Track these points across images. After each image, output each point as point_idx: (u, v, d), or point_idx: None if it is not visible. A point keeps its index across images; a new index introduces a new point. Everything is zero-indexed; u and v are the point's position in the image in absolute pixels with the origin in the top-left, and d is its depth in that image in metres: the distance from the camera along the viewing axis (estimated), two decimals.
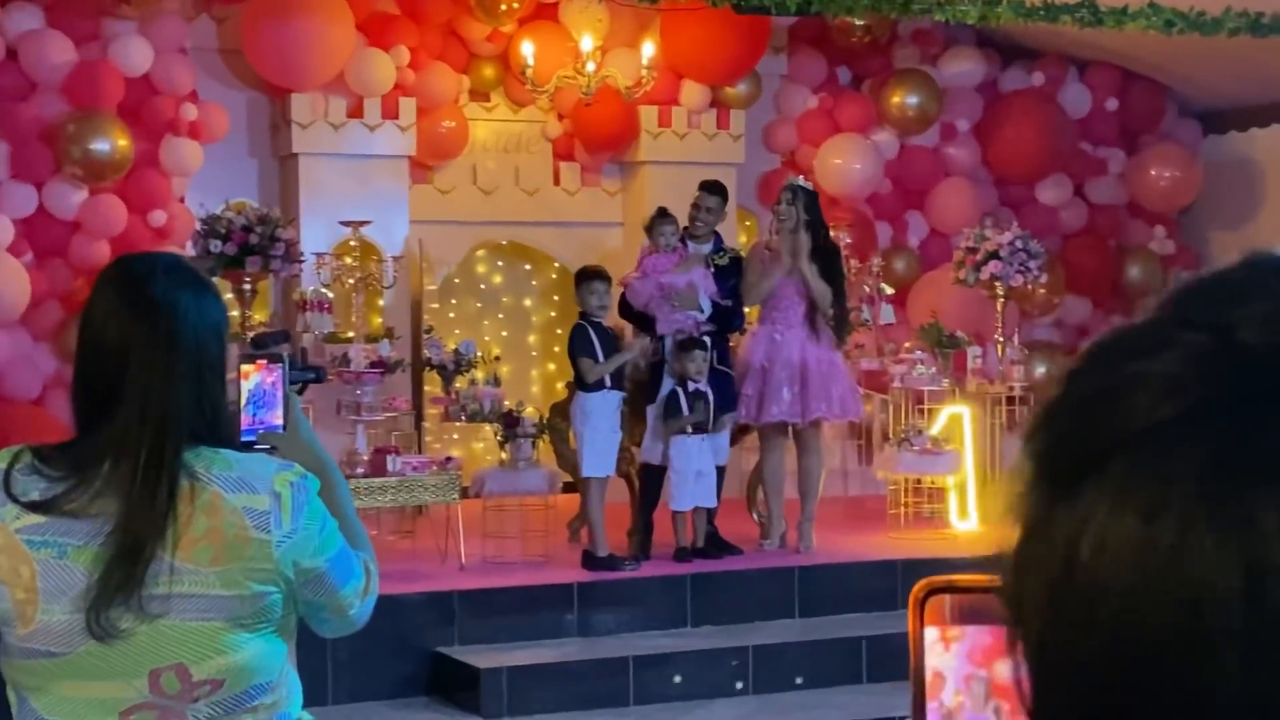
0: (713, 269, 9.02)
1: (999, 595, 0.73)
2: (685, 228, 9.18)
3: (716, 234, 9.26)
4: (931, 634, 1.24)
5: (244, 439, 2.51)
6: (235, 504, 2.32)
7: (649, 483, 8.92)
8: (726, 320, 9.08)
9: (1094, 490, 0.68)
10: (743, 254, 9.36)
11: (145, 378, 2.33)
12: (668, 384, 8.84)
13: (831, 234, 10.32)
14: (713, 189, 9.17)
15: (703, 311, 8.87)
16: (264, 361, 2.56)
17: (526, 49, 10.49)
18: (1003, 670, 1.18)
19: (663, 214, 9.15)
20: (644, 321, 8.93)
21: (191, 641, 2.31)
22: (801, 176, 9.65)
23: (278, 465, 2.40)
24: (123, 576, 2.27)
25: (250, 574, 2.32)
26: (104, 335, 2.37)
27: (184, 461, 2.32)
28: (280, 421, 2.56)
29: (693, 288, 8.86)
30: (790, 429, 9.12)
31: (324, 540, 2.40)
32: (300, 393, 5.47)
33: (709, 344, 8.96)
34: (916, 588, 1.24)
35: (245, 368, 2.55)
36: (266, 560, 2.33)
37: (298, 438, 2.58)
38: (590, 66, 10.43)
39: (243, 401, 2.53)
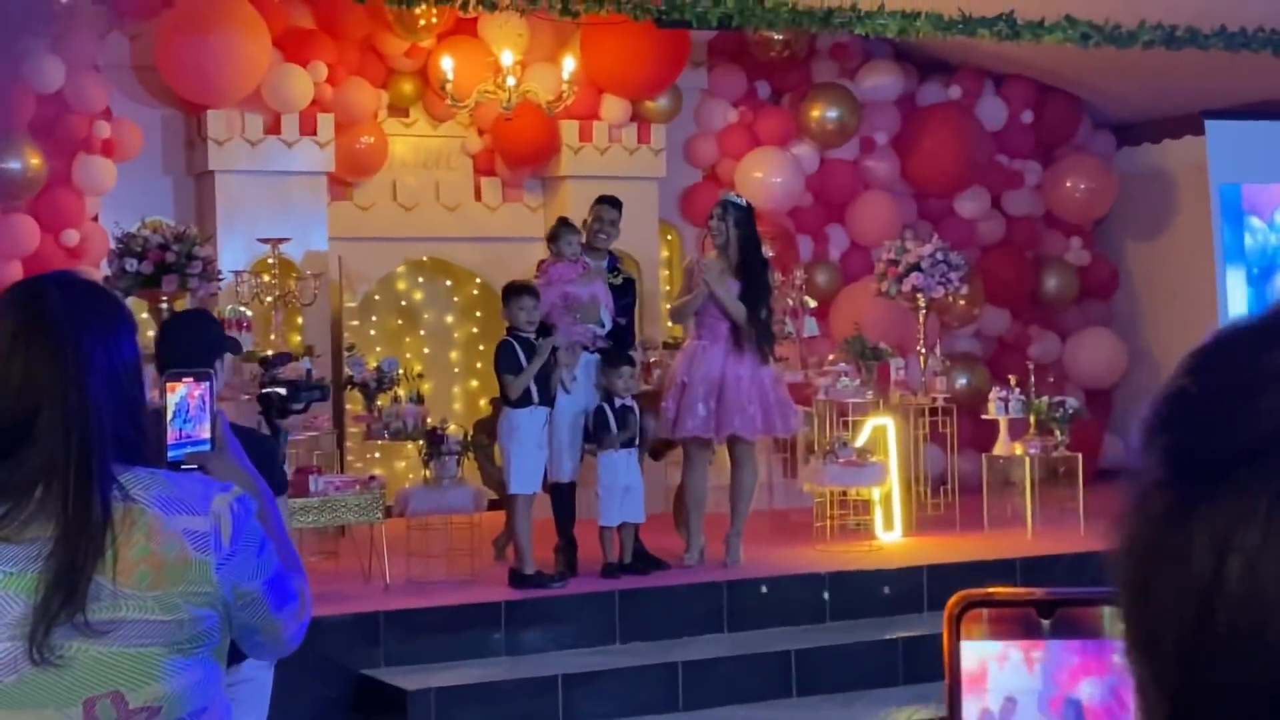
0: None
1: (1118, 601, 0.66)
2: (584, 241, 9.15)
3: (610, 253, 9.27)
4: (1000, 650, 1.18)
5: (171, 458, 2.45)
6: (174, 526, 2.28)
7: (562, 501, 8.87)
8: (621, 337, 9.08)
9: (1239, 493, 0.61)
10: (634, 276, 9.39)
11: (61, 405, 2.29)
12: (580, 398, 8.78)
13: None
14: (613, 203, 9.20)
15: (603, 326, 8.85)
16: (190, 378, 2.51)
17: (446, 64, 10.41)
18: (1090, 691, 1.13)
19: (565, 224, 9.16)
20: (542, 331, 8.89)
21: (129, 668, 2.26)
22: (734, 192, 9.63)
23: (217, 486, 2.37)
24: (63, 600, 2.22)
25: (189, 598, 2.28)
26: (8, 372, 2.31)
27: (119, 483, 2.28)
28: (207, 438, 2.50)
29: (595, 301, 8.85)
30: (725, 443, 9.10)
31: (262, 562, 2.38)
32: (303, 411, 5.40)
33: (635, 360, 8.95)
34: (952, 601, 1.18)
35: (170, 384, 2.49)
36: (206, 583, 2.29)
37: (226, 456, 2.54)
38: (510, 81, 10.37)
39: (168, 419, 2.48)
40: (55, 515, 2.25)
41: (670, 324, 10.78)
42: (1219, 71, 11.12)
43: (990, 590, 1.18)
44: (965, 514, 10.51)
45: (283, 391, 6.19)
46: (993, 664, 1.17)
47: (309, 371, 7.51)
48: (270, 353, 6.14)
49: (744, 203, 9.25)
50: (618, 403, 8.69)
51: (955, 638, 1.17)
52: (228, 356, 4.60)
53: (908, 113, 13.03)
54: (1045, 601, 1.16)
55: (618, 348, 8.95)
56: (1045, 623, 1.16)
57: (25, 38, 9.72)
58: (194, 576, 2.28)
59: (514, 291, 8.71)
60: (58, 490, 2.26)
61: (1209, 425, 0.64)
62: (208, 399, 2.53)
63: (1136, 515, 0.66)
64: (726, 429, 8.93)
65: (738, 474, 9.17)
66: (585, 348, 8.85)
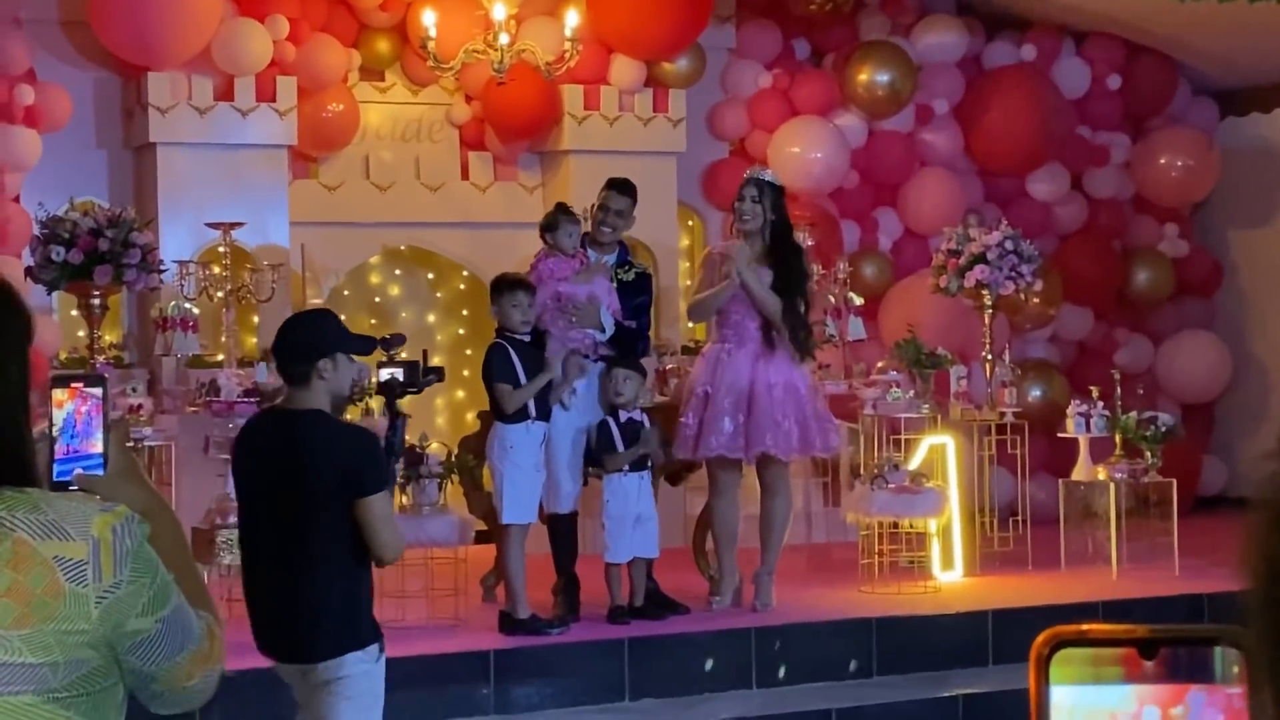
0: (615, 284, 9.00)
1: (1248, 634, 0.67)
2: (587, 233, 9.15)
3: (621, 244, 9.25)
4: (1139, 711, 1.19)
5: (56, 477, 2.45)
6: (44, 553, 2.26)
7: (561, 536, 8.88)
8: (629, 344, 9.03)
9: None
10: (650, 270, 9.33)
11: None
12: (583, 414, 8.79)
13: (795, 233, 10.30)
14: (623, 188, 9.14)
15: (604, 330, 8.84)
16: (79, 386, 2.50)
17: (428, 18, 10.44)
18: None
19: (564, 211, 9.13)
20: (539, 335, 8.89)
21: None
22: (765, 168, 9.64)
23: (99, 506, 2.34)
24: None
25: (63, 637, 2.26)
26: None
27: None
28: (99, 453, 2.50)
29: (594, 301, 8.84)
30: (755, 464, 9.10)
31: (155, 596, 2.34)
32: (418, 393, 5.76)
33: (644, 368, 8.95)
34: (1040, 640, 1.20)
35: (57, 394, 2.48)
36: (83, 619, 2.27)
37: (121, 475, 2.52)
38: (504, 39, 10.40)
39: (55, 435, 2.47)
40: None
41: (690, 324, 10.79)
42: None
43: (1084, 627, 1.20)
44: (1039, 550, 10.50)
45: (400, 375, 6.66)
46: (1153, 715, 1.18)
47: (425, 353, 7.90)
48: (388, 334, 6.71)
49: (778, 181, 9.28)
50: (623, 416, 8.70)
51: (1044, 681, 1.19)
52: (345, 356, 5.45)
53: (972, 76, 13.03)
54: (1149, 640, 1.18)
55: (625, 353, 8.94)
56: (1148, 664, 1.18)
57: None
58: (68, 613, 2.26)
59: (506, 286, 8.72)
60: None
61: None
62: (97, 413, 2.50)
63: (1273, 533, 0.68)
64: (757, 447, 8.93)
65: (769, 502, 9.17)
66: (585, 356, 8.85)
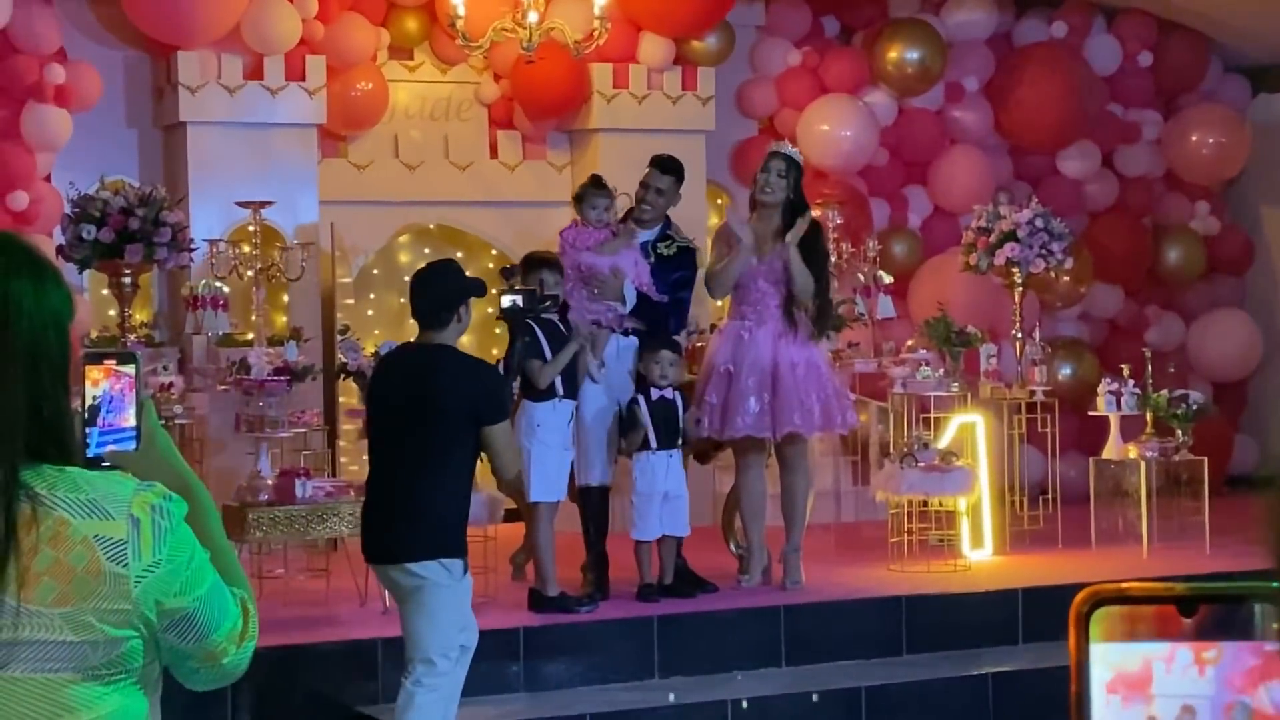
0: (653, 259, 8.99)
1: None
2: (629, 210, 9.16)
3: (666, 218, 9.23)
4: (1172, 652, 1.20)
5: (90, 453, 2.46)
6: (85, 532, 2.27)
7: (592, 508, 8.90)
8: (659, 319, 9.00)
9: None
10: (694, 245, 9.32)
11: None
12: (613, 389, 8.79)
13: (817, 213, 10.27)
14: (666, 166, 9.13)
15: (625, 303, 8.84)
16: (112, 363, 2.51)
17: None
18: (1268, 697, 1.16)
19: (596, 183, 9.16)
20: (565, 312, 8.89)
21: (35, 698, 2.26)
22: (788, 144, 9.61)
23: (136, 485, 2.35)
24: None
25: (104, 615, 2.27)
26: None
27: (22, 481, 2.27)
28: (132, 428, 2.51)
29: (618, 273, 8.84)
30: (771, 443, 9.09)
31: (193, 575, 2.36)
32: (536, 316, 6.41)
33: (680, 345, 8.95)
34: (1080, 598, 1.22)
35: (91, 371, 2.50)
36: (123, 599, 2.28)
37: (154, 454, 2.53)
38: (533, 16, 10.39)
39: (86, 407, 2.48)
40: None
41: (718, 303, 10.77)
42: None
43: (1123, 585, 1.21)
44: (1069, 528, 10.49)
45: (520, 301, 7.49)
46: (1159, 665, 1.20)
47: (541, 282, 8.45)
48: (508, 264, 7.62)
49: (800, 159, 9.29)
50: (654, 394, 8.69)
51: (1084, 639, 1.20)
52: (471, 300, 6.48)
53: (1002, 54, 12.99)
54: (1188, 598, 1.19)
55: (657, 329, 8.93)
56: (1187, 622, 1.20)
57: None
58: (108, 591, 2.27)
59: (535, 264, 8.74)
60: None
61: None
62: (130, 389, 2.51)
63: None
64: (785, 426, 8.93)
65: (790, 479, 9.17)
66: (610, 329, 8.85)
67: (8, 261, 2.37)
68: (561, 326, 8.62)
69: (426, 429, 6.30)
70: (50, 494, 2.28)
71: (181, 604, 2.34)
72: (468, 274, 6.91)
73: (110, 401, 2.50)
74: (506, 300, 7.70)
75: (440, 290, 6.49)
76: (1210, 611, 1.20)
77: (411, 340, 6.86)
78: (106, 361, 2.51)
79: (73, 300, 2.45)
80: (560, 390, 8.52)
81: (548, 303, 8.17)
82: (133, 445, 2.51)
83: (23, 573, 2.25)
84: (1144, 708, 1.20)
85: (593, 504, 8.91)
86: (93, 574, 2.27)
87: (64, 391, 2.38)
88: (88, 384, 2.50)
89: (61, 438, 2.36)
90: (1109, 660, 1.21)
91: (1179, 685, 1.20)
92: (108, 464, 2.47)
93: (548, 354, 8.46)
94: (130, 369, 2.52)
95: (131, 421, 2.51)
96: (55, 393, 2.37)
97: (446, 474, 6.35)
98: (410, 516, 6.30)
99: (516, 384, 8.19)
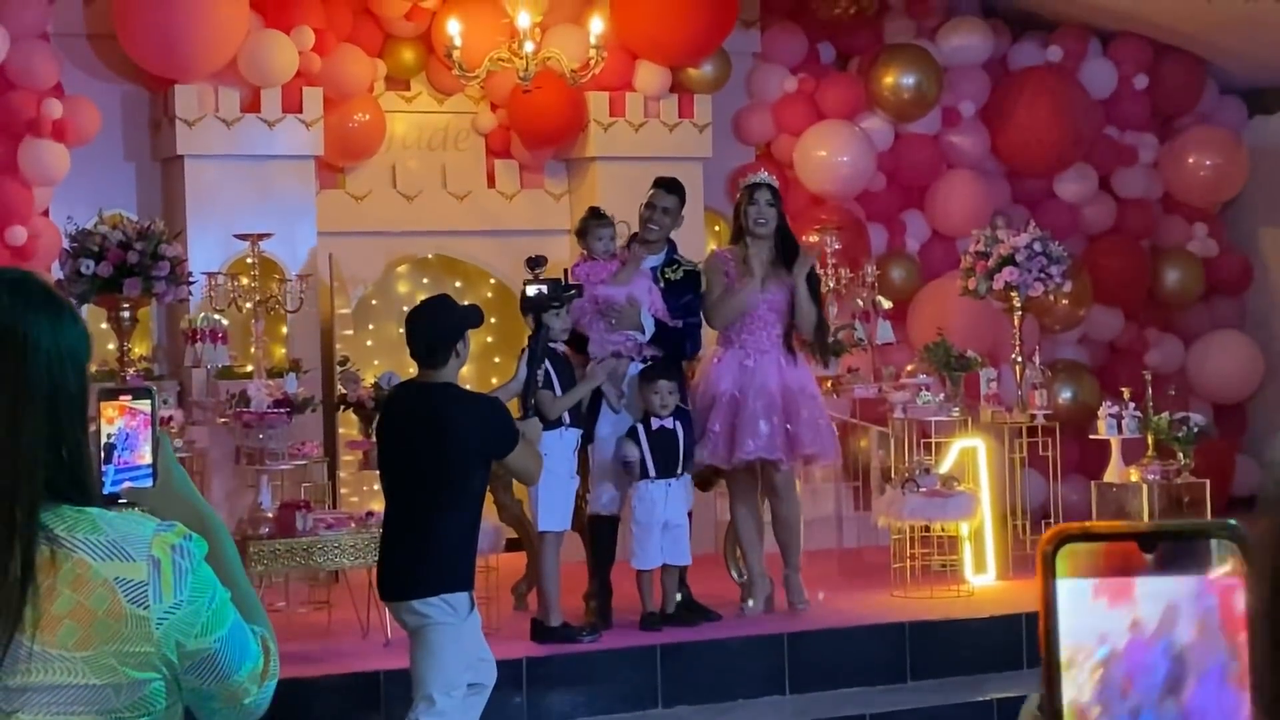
0: (662, 284, 9.01)
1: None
2: (635, 233, 9.18)
3: (670, 242, 9.24)
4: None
5: (106, 491, 2.45)
6: (105, 574, 2.25)
7: (600, 537, 8.88)
8: (677, 344, 9.02)
9: None
10: (699, 268, 9.33)
11: None
12: (626, 418, 8.80)
13: (815, 239, 10.30)
14: (670, 187, 9.17)
15: (644, 332, 8.84)
16: (128, 400, 2.50)
17: (453, 27, 10.45)
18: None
19: (596, 215, 9.18)
20: (576, 343, 8.88)
21: None
22: (764, 172, 9.60)
23: (156, 525, 2.33)
24: None
25: (125, 658, 2.26)
26: None
27: (41, 523, 2.26)
28: (149, 465, 2.50)
29: (634, 303, 8.84)
30: (762, 472, 9.10)
31: (214, 615, 2.34)
32: (560, 305, 6.33)
33: (681, 371, 8.95)
34: (1045, 537, 1.28)
35: (106, 409, 2.48)
36: (145, 641, 2.27)
37: (171, 491, 2.52)
38: (529, 46, 10.40)
39: (103, 444, 2.47)
40: None
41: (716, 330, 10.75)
42: None
43: (1088, 525, 1.28)
44: None
45: (545, 290, 7.50)
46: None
47: (566, 271, 8.62)
48: (534, 254, 7.60)
49: (777, 182, 9.37)
50: (655, 424, 8.68)
51: (1050, 576, 1.27)
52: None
53: (998, 78, 13.00)
54: (1148, 534, 1.26)
55: (671, 353, 8.96)
56: (1149, 557, 1.26)
57: None
58: (130, 634, 2.26)
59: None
60: None
61: None
62: (146, 426, 2.51)
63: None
64: (802, 449, 9.00)
65: (780, 506, 9.19)
66: (631, 358, 8.86)
67: (25, 300, 2.36)
68: (569, 359, 8.63)
69: (434, 471, 6.35)
70: (70, 536, 2.27)
71: (203, 645, 2.33)
72: (463, 303, 6.93)
73: (126, 439, 2.49)
74: (531, 289, 7.70)
75: (434, 329, 6.50)
76: (1169, 548, 1.26)
77: (413, 378, 6.86)
78: (122, 398, 2.51)
79: (89, 338, 2.44)
80: (566, 419, 8.51)
81: (572, 292, 8.15)
82: (150, 482, 2.50)
83: (41, 616, 2.23)
84: (1129, 608, 1.26)
85: (602, 532, 8.89)
86: (114, 616, 2.25)
87: (83, 430, 2.37)
88: (103, 421, 2.49)
89: (81, 478, 2.35)
90: (1072, 596, 1.28)
91: (1166, 588, 1.26)
92: (124, 501, 2.46)
93: (556, 387, 8.43)
94: (146, 405, 2.52)
95: (147, 459, 2.50)
96: (74, 432, 2.35)
97: (457, 511, 6.44)
98: (419, 554, 6.38)
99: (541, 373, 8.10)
